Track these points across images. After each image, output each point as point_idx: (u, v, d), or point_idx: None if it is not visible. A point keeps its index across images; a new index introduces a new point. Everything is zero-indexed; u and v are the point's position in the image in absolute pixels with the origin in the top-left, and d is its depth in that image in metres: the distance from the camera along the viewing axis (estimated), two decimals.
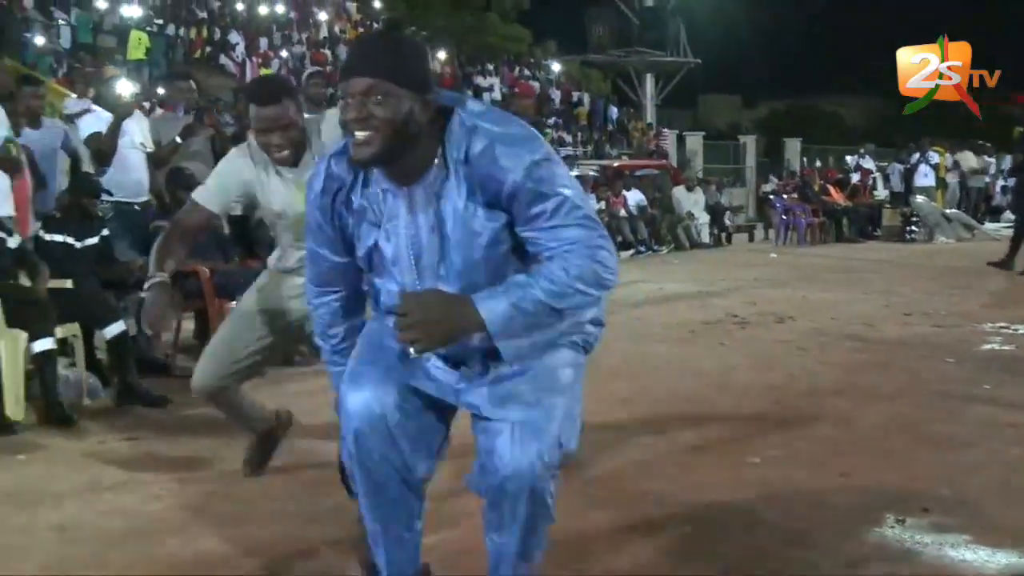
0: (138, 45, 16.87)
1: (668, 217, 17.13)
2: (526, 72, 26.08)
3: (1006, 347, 7.16)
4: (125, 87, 6.93)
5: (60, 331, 5.26)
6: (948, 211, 19.42)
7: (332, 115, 3.24)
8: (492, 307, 2.15)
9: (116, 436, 4.82)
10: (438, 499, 3.12)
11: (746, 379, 6.10)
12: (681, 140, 27.93)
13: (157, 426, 5.03)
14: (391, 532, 2.48)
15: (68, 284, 5.51)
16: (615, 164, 19.94)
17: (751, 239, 19.67)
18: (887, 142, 27.96)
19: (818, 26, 61.50)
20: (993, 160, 22.90)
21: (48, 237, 5.77)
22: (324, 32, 25.80)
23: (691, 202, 17.56)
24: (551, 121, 20.60)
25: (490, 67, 25.71)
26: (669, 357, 6.93)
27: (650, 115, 31.99)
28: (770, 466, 4.25)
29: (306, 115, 3.59)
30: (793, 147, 29.28)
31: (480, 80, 22.72)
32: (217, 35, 20.56)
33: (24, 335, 5.01)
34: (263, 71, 19.53)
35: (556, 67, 28.55)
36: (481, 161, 2.17)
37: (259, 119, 3.42)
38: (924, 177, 19.78)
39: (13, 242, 5.40)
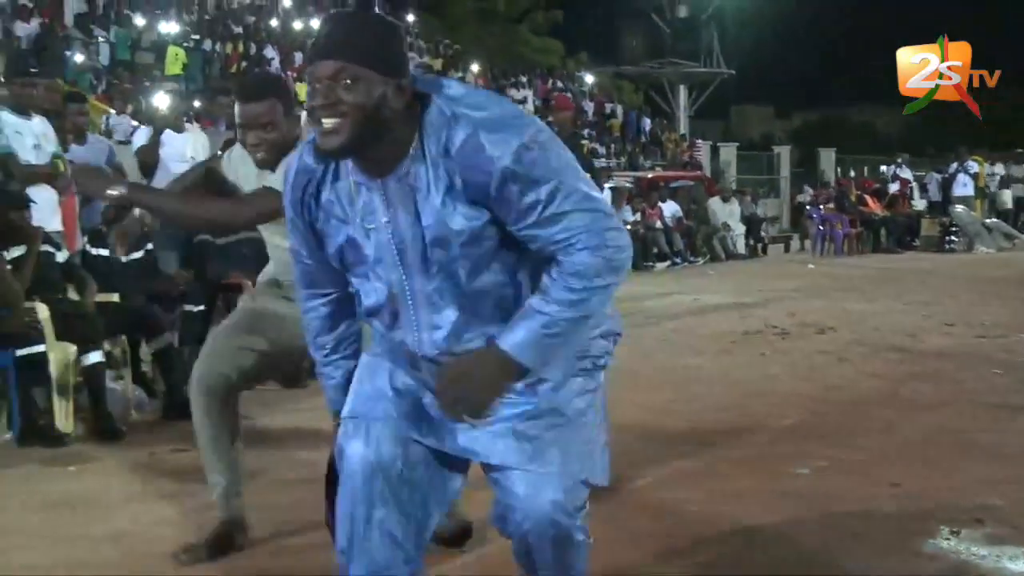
0: (175, 61, 17.08)
1: (704, 228, 17.09)
2: (559, 84, 26.15)
3: None
4: (163, 100, 7.04)
5: (107, 344, 5.34)
6: (988, 220, 19.26)
7: None
8: (519, 343, 2.02)
9: (164, 448, 4.87)
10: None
11: (788, 389, 6.09)
12: (715, 151, 27.84)
13: None
14: None
15: (115, 298, 5.59)
16: (649, 175, 19.93)
17: (787, 250, 19.59)
18: (920, 152, 27.76)
19: (850, 36, 61.18)
20: None
21: (95, 251, 5.85)
22: None
23: (727, 213, 17.51)
24: (584, 133, 20.65)
25: (523, 79, 25.78)
26: (710, 368, 6.92)
27: (683, 126, 31.95)
28: (817, 476, 4.24)
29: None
30: (827, 157, 29.11)
31: (513, 92, 22.78)
32: (253, 50, 20.74)
33: (73, 348, 5.08)
34: (298, 86, 19.70)
35: (589, 79, 28.59)
36: (465, 152, 1.97)
37: (240, 115, 3.27)
38: (963, 187, 19.61)
39: (61, 256, 5.48)
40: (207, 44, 20.31)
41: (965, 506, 3.75)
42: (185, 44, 18.94)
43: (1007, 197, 22.28)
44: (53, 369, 4.98)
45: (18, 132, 5.55)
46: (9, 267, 5.06)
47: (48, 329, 5.02)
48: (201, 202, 3.46)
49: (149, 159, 6.62)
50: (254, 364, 3.42)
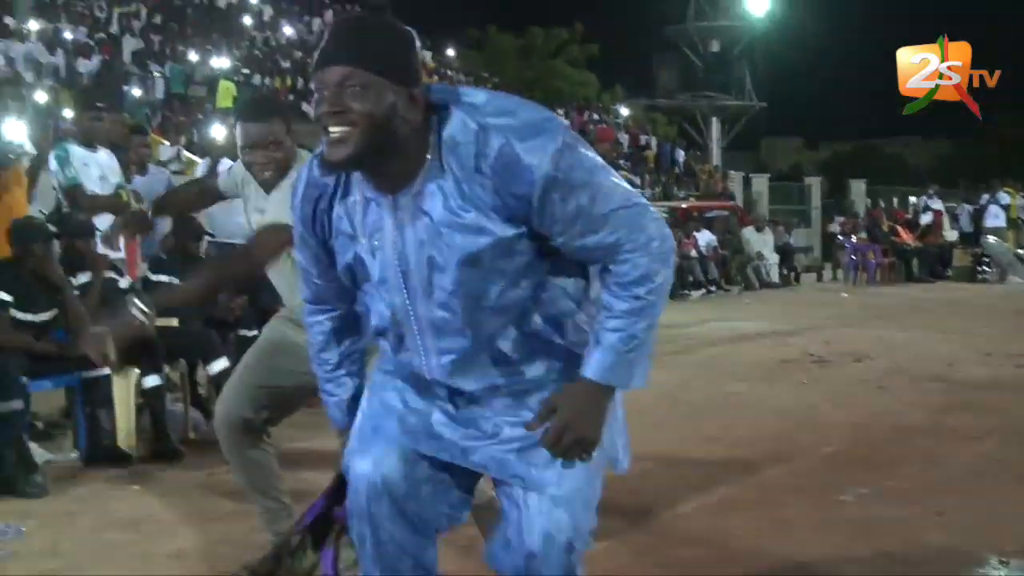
0: (226, 94, 17.44)
1: (738, 257, 17.15)
2: (595, 116, 26.35)
3: None
4: (218, 132, 7.23)
5: (167, 367, 5.50)
6: (1020, 251, 19.15)
7: None
8: (607, 369, 1.96)
9: (221, 468, 4.96)
10: None
11: (829, 418, 6.14)
12: (747, 182, 27.91)
13: None
14: None
15: (174, 322, 5.75)
16: (683, 205, 20.02)
17: (820, 279, 19.57)
18: (950, 183, 27.65)
19: (878, 69, 61.15)
20: None
21: (155, 278, 6.02)
22: None
23: (761, 243, 17.57)
24: (621, 163, 20.84)
25: (560, 112, 26.04)
26: (749, 395, 6.98)
27: (715, 157, 32.05)
28: (861, 504, 4.28)
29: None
30: (858, 188, 29.07)
31: None
32: (300, 84, 21.13)
33: (135, 371, 5.26)
34: None
35: (624, 111, 28.77)
36: (501, 166, 1.84)
37: (243, 135, 3.26)
38: (994, 218, 19.54)
39: (124, 283, 5.67)
40: (256, 78, 20.72)
41: (1013, 535, 3.78)
42: (236, 78, 19.34)
43: None
44: (116, 391, 5.16)
45: (85, 164, 5.74)
46: (76, 293, 5.25)
47: (112, 353, 5.18)
48: (220, 272, 3.52)
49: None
50: (276, 400, 3.38)
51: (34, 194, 5.78)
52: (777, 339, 9.96)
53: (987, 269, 18.13)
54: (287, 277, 3.29)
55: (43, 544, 3.91)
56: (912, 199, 24.28)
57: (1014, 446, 5.32)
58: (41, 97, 13.55)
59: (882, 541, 3.78)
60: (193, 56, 20.26)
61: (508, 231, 1.89)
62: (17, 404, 4.59)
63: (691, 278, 15.68)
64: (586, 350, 1.99)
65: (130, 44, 19.53)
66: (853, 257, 18.25)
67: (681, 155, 27.65)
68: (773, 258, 17.71)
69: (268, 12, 26.51)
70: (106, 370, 5.07)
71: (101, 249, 5.57)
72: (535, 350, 2.04)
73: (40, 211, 5.79)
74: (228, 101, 17.32)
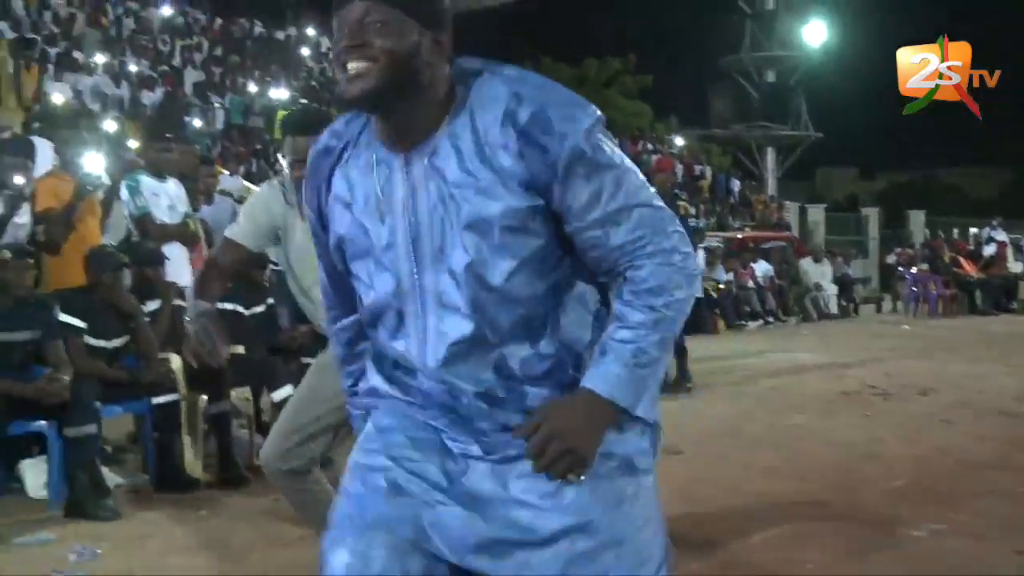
0: None
1: (795, 288, 17.01)
2: (649, 146, 26.37)
3: None
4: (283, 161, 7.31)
5: (233, 394, 5.58)
6: None
7: None
8: (612, 382, 1.75)
9: None
10: None
11: (894, 451, 6.05)
12: (803, 212, 27.70)
13: None
14: None
15: (240, 350, 5.83)
16: (739, 236, 19.91)
17: (879, 310, 19.32)
18: (1014, 213, 27.20)
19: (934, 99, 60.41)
20: None
21: (220, 305, 6.10)
22: None
23: (818, 273, 17.41)
24: (679, 193, 20.82)
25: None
26: (811, 427, 6.90)
27: (771, 187, 31.88)
28: (936, 539, 4.21)
29: None
30: (917, 219, 28.74)
31: None
32: None
33: (203, 397, 5.34)
34: None
35: (679, 141, 28.78)
36: (531, 128, 1.73)
37: (294, 149, 3.27)
38: None
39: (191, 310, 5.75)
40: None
41: None
42: (293, 108, 19.65)
43: None
44: (184, 417, 5.24)
45: (155, 194, 5.87)
46: (146, 320, 5.35)
47: (180, 379, 5.29)
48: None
49: None
50: (325, 432, 3.32)
51: (107, 224, 5.91)
52: (837, 371, 9.84)
53: None
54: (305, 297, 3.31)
55: (117, 567, 3.98)
56: (973, 230, 23.94)
57: None
58: (111, 128, 13.86)
59: None
60: (252, 87, 20.62)
61: (523, 202, 1.74)
62: (91, 428, 4.68)
63: (748, 309, 15.60)
64: (592, 362, 1.79)
65: (191, 76, 19.92)
66: (914, 289, 18.01)
67: (736, 185, 27.55)
68: (831, 289, 17.53)
69: (325, 43, 26.90)
70: (174, 396, 5.16)
71: (169, 277, 5.69)
72: (545, 375, 1.81)
73: (111, 240, 5.91)
74: None
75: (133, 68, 18.44)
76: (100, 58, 17.94)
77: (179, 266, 5.88)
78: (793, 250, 19.32)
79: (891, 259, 22.68)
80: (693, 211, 9.23)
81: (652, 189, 1.83)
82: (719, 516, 4.48)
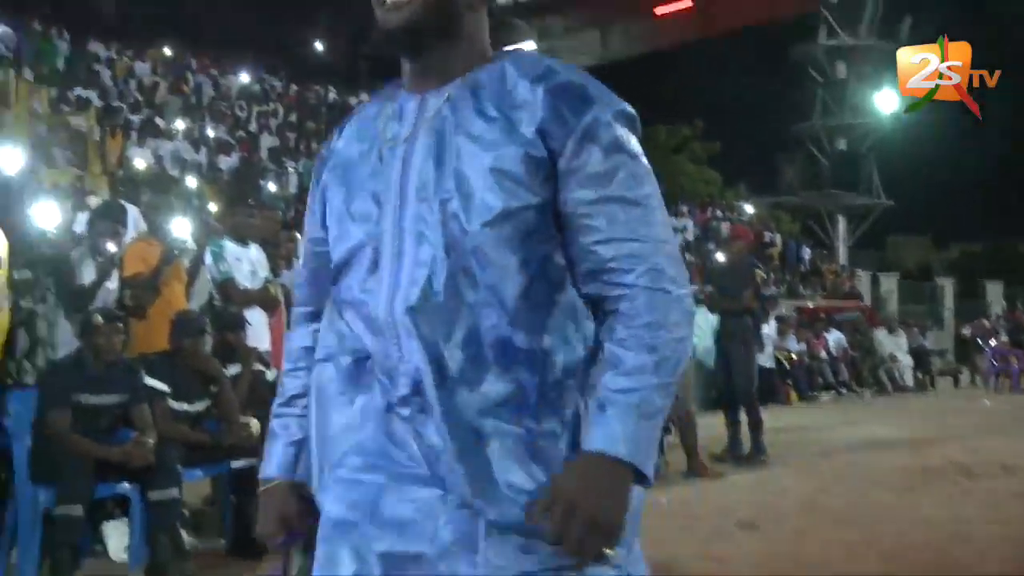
0: None
1: (869, 359, 16.74)
2: (718, 213, 26.34)
3: None
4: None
5: None
6: None
7: None
8: (620, 438, 1.54)
9: None
10: None
11: (985, 532, 5.84)
12: (875, 281, 27.36)
13: None
14: None
15: None
16: (810, 305, 19.71)
17: (956, 384, 18.90)
18: None
19: (1011, 167, 59.53)
20: None
21: None
22: None
23: (893, 344, 17.14)
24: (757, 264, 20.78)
25: (683, 208, 26.09)
26: (895, 505, 6.71)
27: (842, 256, 31.55)
28: None
29: None
30: (995, 290, 28.24)
31: (673, 221, 23.13)
32: None
33: None
34: None
35: (748, 209, 28.72)
36: (562, 90, 1.63)
37: None
38: None
39: (271, 375, 5.81)
40: None
41: None
42: None
43: None
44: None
45: (238, 259, 5.96)
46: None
47: (260, 443, 5.31)
48: None
49: None
50: None
51: (192, 290, 6.02)
52: (917, 446, 9.58)
53: None
54: None
55: None
56: None
57: None
58: (194, 192, 14.23)
59: None
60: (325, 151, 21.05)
61: (529, 149, 1.60)
62: (174, 492, 4.72)
63: (821, 380, 15.38)
64: (584, 422, 1.59)
65: (267, 141, 20.40)
66: (994, 362, 17.60)
67: (807, 253, 27.34)
68: (906, 361, 17.23)
69: None
70: (254, 460, 5.18)
71: (250, 341, 5.75)
72: (507, 370, 1.59)
73: (195, 305, 6.00)
74: None
75: (211, 133, 18.94)
76: (180, 124, 18.47)
77: (259, 331, 5.95)
78: (866, 320, 19.06)
79: (967, 331, 22.25)
80: (766, 277, 9.28)
81: (670, 227, 1.73)
82: None
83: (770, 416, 9.44)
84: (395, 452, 1.65)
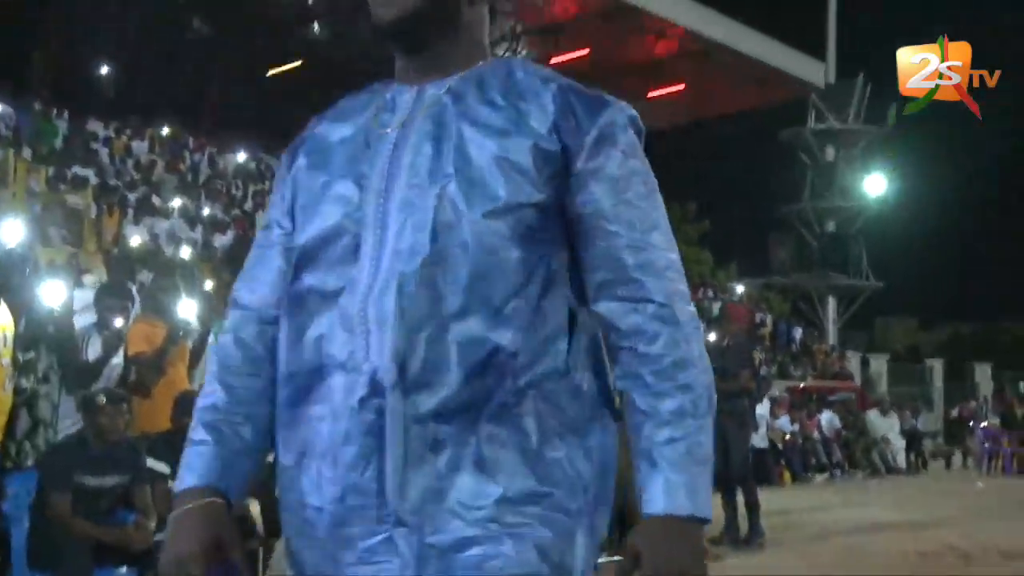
0: None
1: (862, 440, 16.71)
2: (710, 293, 26.43)
3: None
4: None
5: None
6: None
7: None
8: (684, 493, 1.47)
9: None
10: None
11: None
12: (864, 362, 27.42)
13: None
14: None
15: None
16: (801, 385, 19.72)
17: (948, 466, 18.84)
18: None
19: (998, 248, 60.13)
20: None
21: None
22: None
23: (886, 426, 17.11)
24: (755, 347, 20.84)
25: None
26: None
27: (831, 336, 31.66)
28: None
29: None
30: (983, 372, 28.30)
31: None
32: None
33: (280, 543, 5.32)
34: None
35: (739, 289, 28.87)
36: (574, 91, 1.57)
37: None
38: None
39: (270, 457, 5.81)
40: None
41: None
42: None
43: None
44: (261, 563, 5.22)
45: None
46: None
47: (259, 524, 5.29)
48: None
49: None
50: None
51: (195, 372, 6.04)
52: (915, 530, 9.55)
53: None
54: None
55: None
56: None
57: None
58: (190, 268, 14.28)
59: None
60: None
61: (539, 141, 1.52)
62: None
63: (815, 460, 15.33)
64: (637, 480, 1.51)
65: (261, 220, 20.54)
66: (987, 445, 17.59)
67: (798, 333, 27.43)
68: (899, 442, 17.19)
69: None
70: (253, 542, 5.15)
71: None
72: (484, 380, 1.47)
73: (197, 386, 6.02)
74: None
75: (207, 211, 19.05)
76: (177, 202, 18.58)
77: None
78: (857, 401, 19.07)
79: (956, 412, 22.28)
80: (761, 358, 9.28)
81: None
82: None
83: (765, 497, 9.38)
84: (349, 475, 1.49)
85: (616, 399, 1.59)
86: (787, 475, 14.41)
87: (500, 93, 1.56)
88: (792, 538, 8.80)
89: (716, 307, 17.97)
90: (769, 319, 27.75)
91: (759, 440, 12.65)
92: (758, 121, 33.74)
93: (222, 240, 17.68)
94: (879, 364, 27.60)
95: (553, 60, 23.06)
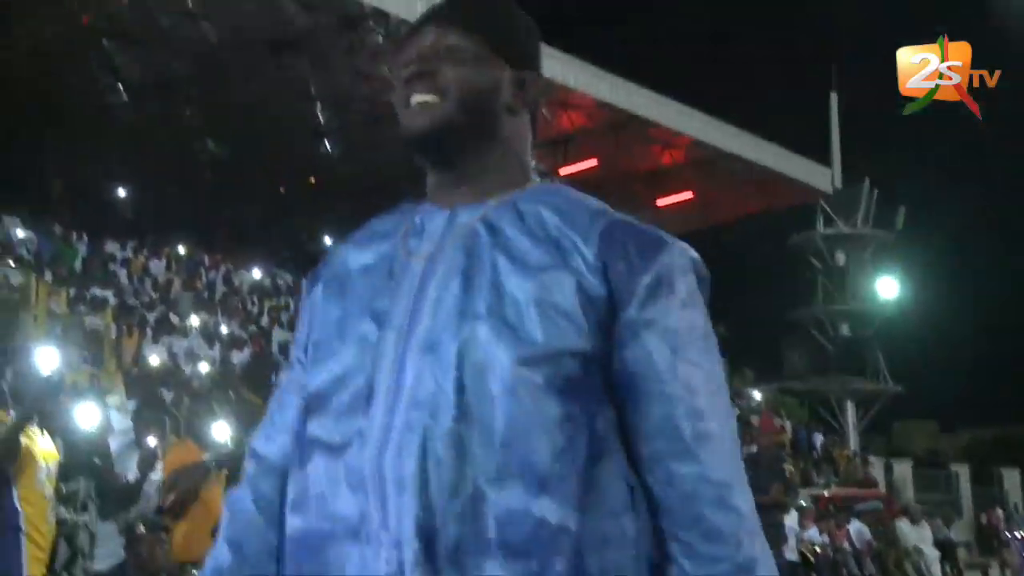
0: None
1: (893, 552, 16.28)
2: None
3: None
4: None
5: None
6: None
7: None
8: None
9: None
10: None
11: None
12: (888, 467, 26.96)
13: None
14: None
15: None
16: (826, 494, 19.32)
17: None
18: None
19: (1018, 350, 59.82)
20: None
21: None
22: None
23: (917, 536, 16.66)
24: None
25: None
26: None
27: (852, 441, 31.26)
28: None
29: None
30: (1012, 478, 27.79)
31: None
32: None
33: None
34: None
35: (757, 395, 28.59)
36: (624, 226, 1.40)
37: None
38: None
39: None
40: None
41: None
42: None
43: None
44: None
45: None
46: None
47: None
48: None
49: None
50: None
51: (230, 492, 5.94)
52: None
53: None
54: None
55: None
56: None
57: None
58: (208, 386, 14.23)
59: None
60: None
61: (583, 280, 1.33)
62: None
63: (846, 573, 14.93)
64: None
65: (278, 335, 20.55)
66: (1023, 556, 17.18)
67: (819, 439, 27.05)
68: (933, 553, 16.72)
69: None
70: None
71: None
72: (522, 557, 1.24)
73: None
74: None
75: (224, 329, 19.09)
76: (195, 320, 18.64)
77: None
78: (886, 509, 18.64)
79: (984, 519, 21.86)
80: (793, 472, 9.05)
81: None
82: None
83: None
84: None
85: None
86: None
87: (541, 224, 1.38)
88: None
89: (755, 420, 17.71)
90: (789, 425, 27.49)
91: (789, 553, 12.33)
92: (768, 226, 33.93)
93: (239, 356, 17.68)
94: (903, 470, 27.14)
95: (562, 171, 23.34)
